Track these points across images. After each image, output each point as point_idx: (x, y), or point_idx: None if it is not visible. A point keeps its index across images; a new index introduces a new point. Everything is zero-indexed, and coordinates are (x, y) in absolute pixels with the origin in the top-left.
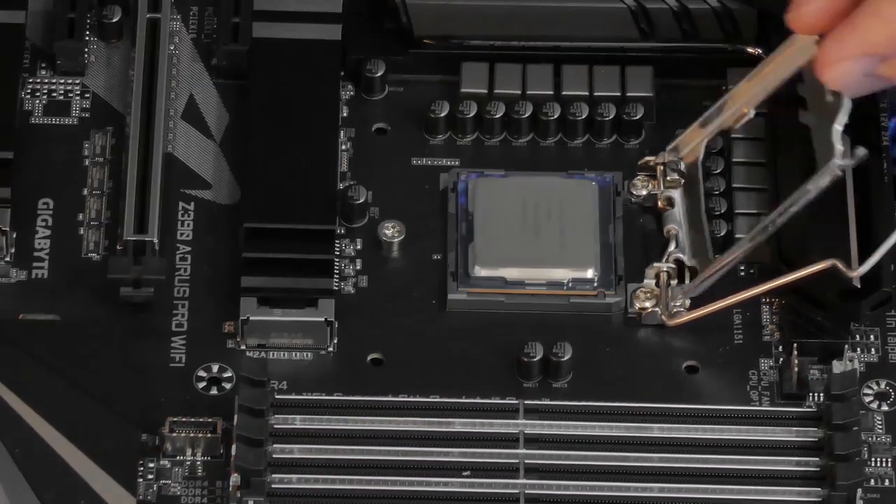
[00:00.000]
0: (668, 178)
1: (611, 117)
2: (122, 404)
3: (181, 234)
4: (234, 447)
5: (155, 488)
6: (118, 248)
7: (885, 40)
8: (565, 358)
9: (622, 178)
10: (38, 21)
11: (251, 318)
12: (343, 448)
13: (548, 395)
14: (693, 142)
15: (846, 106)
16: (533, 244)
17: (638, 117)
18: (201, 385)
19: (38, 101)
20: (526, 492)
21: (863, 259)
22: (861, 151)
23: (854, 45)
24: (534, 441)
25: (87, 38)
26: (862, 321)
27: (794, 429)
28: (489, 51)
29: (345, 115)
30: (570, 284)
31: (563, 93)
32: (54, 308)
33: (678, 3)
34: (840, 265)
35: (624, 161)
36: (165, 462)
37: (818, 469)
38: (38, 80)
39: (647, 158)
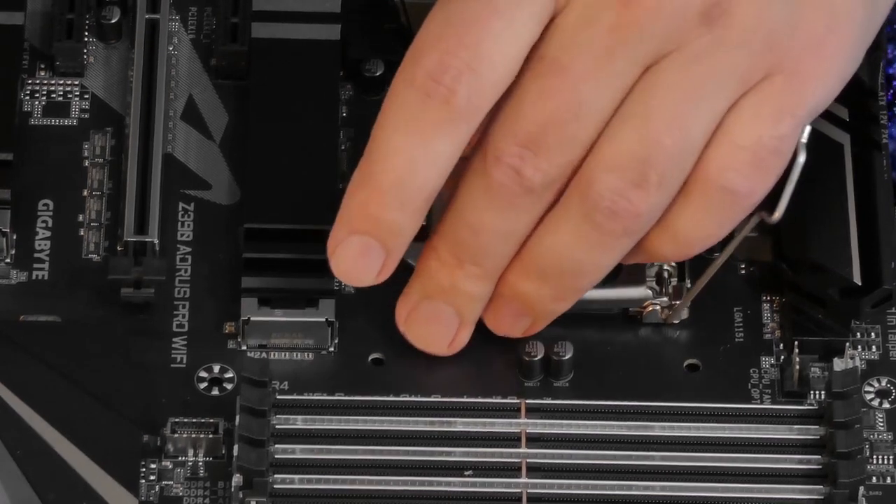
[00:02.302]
0: None
1: None
2: (124, 405)
3: (181, 235)
4: (235, 448)
5: (157, 489)
6: (118, 248)
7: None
8: (566, 357)
9: None
10: (36, 22)
11: (252, 318)
12: (345, 448)
13: (549, 394)
14: None
15: None
16: None
17: None
18: (202, 386)
19: (37, 102)
20: (528, 491)
21: (863, 260)
22: None
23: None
24: (536, 440)
25: (85, 38)
26: (863, 319)
27: (796, 427)
28: None
29: (344, 115)
30: None
31: None
32: (55, 309)
33: None
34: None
35: None
36: (167, 463)
37: (820, 467)
38: (38, 81)
39: None
